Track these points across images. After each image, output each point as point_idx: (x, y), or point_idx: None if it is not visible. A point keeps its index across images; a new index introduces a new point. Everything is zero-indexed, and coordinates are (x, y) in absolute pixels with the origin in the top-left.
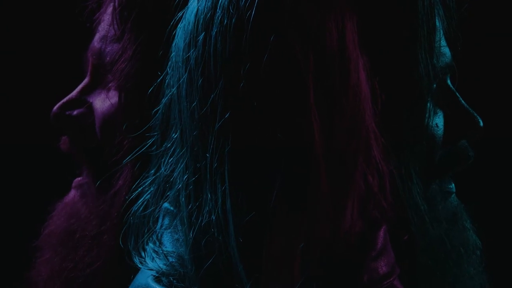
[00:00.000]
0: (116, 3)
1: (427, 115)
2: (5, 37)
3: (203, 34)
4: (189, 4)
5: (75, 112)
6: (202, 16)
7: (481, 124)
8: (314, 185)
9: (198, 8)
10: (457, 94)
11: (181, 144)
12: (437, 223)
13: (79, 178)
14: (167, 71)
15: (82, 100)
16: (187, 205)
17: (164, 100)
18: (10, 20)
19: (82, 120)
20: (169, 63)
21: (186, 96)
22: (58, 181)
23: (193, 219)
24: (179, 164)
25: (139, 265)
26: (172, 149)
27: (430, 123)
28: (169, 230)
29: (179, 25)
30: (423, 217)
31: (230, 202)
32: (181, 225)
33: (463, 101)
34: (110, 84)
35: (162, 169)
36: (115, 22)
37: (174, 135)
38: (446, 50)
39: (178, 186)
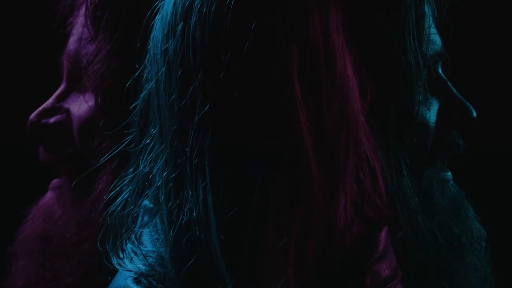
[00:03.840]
0: (89, 3)
1: (417, 105)
2: None
3: (181, 23)
4: None
5: (52, 120)
6: (180, 5)
7: (474, 114)
8: (304, 180)
9: None
10: (448, 83)
11: (160, 139)
12: (433, 214)
13: (56, 180)
14: (145, 65)
15: (59, 107)
16: (167, 203)
17: (142, 95)
18: None
19: (59, 127)
20: (147, 56)
21: (165, 89)
22: (33, 183)
23: (173, 217)
24: (159, 161)
25: (117, 267)
26: (151, 145)
27: (421, 113)
28: (148, 229)
29: (156, 17)
30: (414, 210)
31: (212, 199)
32: (161, 223)
33: (455, 91)
34: (86, 87)
35: (141, 166)
36: (88, 22)
37: (153, 130)
38: (436, 38)
39: (158, 184)
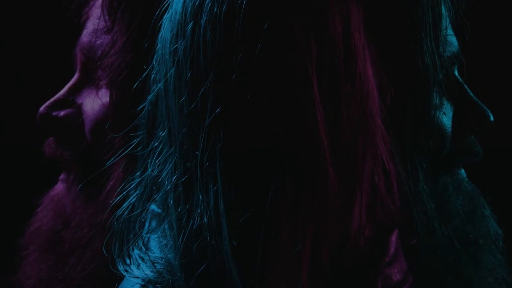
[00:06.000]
0: None
1: (433, 108)
2: None
3: (191, 23)
4: None
5: (62, 113)
6: (190, 4)
7: (491, 118)
8: (320, 182)
9: None
10: (465, 86)
11: (169, 142)
12: (449, 219)
13: (64, 173)
14: (153, 65)
15: (71, 100)
16: (176, 208)
17: (150, 97)
18: None
19: (70, 121)
20: (155, 56)
21: (174, 90)
22: (44, 175)
23: (183, 222)
24: (168, 165)
25: (124, 273)
26: (160, 148)
27: (438, 116)
28: (156, 235)
29: (165, 16)
30: (430, 216)
31: (223, 203)
32: (170, 229)
33: (471, 94)
34: (100, 81)
35: (149, 170)
36: (104, 12)
37: (162, 133)
38: (453, 39)
39: (167, 188)
